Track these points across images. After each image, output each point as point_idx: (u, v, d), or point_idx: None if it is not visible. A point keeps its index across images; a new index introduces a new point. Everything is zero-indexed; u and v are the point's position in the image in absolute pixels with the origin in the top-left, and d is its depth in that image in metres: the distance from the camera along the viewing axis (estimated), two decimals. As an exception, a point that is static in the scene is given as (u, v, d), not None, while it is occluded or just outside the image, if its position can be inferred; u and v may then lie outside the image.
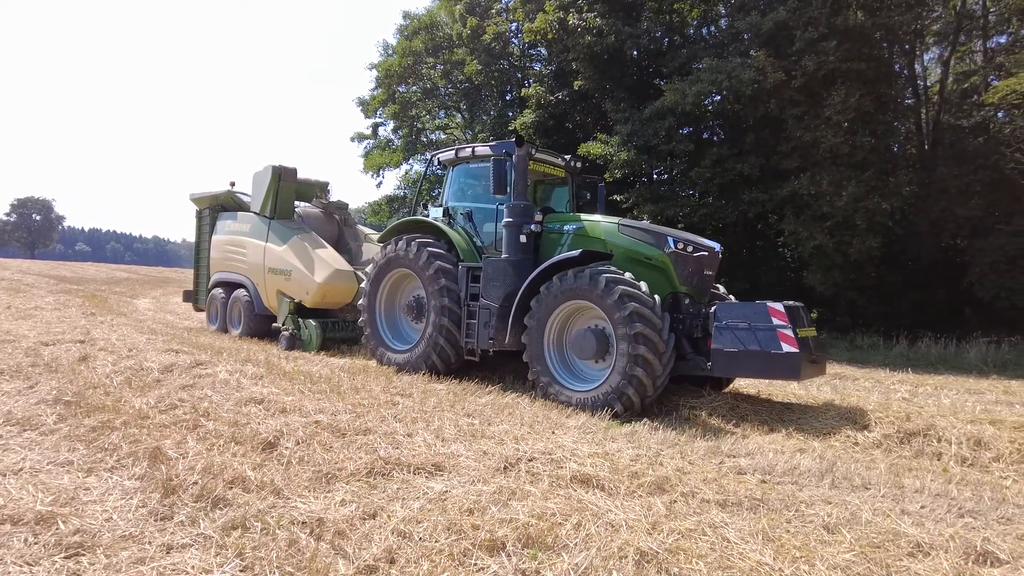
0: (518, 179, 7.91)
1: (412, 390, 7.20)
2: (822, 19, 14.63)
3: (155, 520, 3.42)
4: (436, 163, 9.78)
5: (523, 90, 21.81)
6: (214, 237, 13.75)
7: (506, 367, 8.86)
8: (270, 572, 2.90)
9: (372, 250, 13.13)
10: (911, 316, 15.89)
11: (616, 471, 4.33)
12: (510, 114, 23.12)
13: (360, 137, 30.82)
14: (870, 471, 4.74)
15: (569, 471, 4.25)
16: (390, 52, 28.20)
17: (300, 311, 11.65)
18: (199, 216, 14.60)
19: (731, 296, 8.23)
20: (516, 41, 24.31)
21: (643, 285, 6.74)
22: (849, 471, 4.68)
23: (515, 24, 23.21)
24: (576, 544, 3.17)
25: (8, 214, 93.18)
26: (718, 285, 8.29)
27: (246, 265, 12.70)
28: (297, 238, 11.97)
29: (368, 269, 9.64)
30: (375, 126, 30.33)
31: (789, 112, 15.29)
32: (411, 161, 29.42)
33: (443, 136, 29.93)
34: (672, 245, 7.23)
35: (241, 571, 2.92)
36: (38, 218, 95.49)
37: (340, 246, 13.15)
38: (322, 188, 14.24)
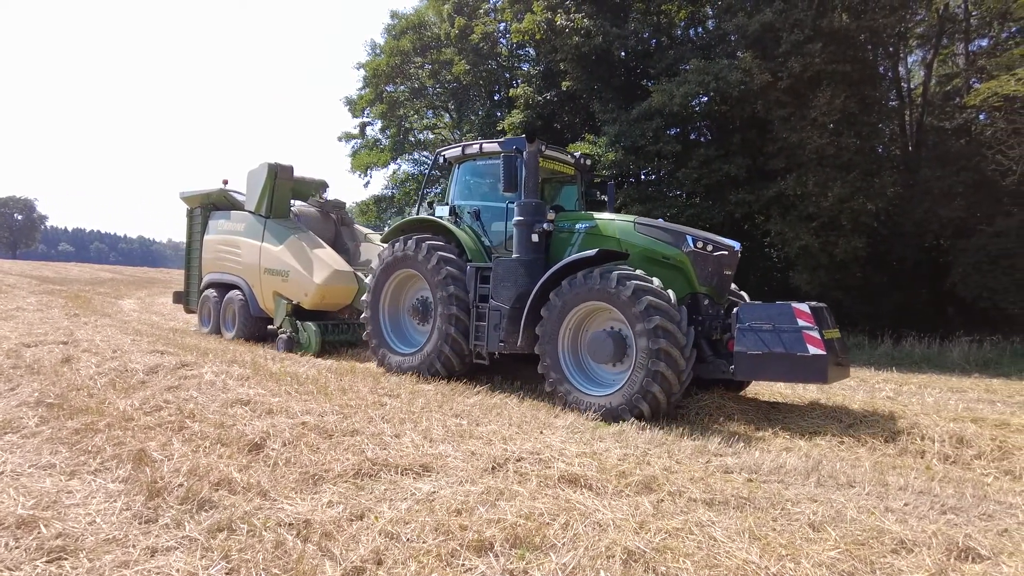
0: (529, 176, 7.70)
1: (400, 391, 7.18)
2: (808, 21, 14.77)
3: (139, 523, 3.39)
4: (441, 160, 9.49)
5: (511, 90, 21.83)
6: (206, 237, 13.41)
7: (497, 368, 8.85)
8: (256, 574, 2.88)
9: (371, 250, 12.85)
10: (895, 316, 16.07)
11: (604, 471, 4.34)
12: (498, 114, 23.13)
13: (348, 137, 30.68)
14: (855, 469, 4.79)
15: (557, 471, 4.25)
16: (378, 52, 28.09)
17: (298, 313, 11.36)
18: (190, 215, 14.25)
19: (746, 297, 8.03)
20: (504, 41, 24.31)
21: (664, 288, 6.50)
22: (834, 469, 4.72)
23: (503, 24, 23.22)
24: (564, 544, 3.17)
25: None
26: (734, 285, 8.03)
27: (241, 266, 12.38)
28: (294, 238, 11.68)
29: (371, 269, 9.39)
30: (363, 126, 30.22)
31: (775, 113, 15.41)
32: (399, 161, 29.34)
33: (431, 136, 29.87)
34: (691, 244, 7.02)
35: (227, 573, 2.90)
36: (20, 217, 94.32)
37: (338, 246, 12.85)
38: (319, 186, 13.96)
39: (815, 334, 6.03)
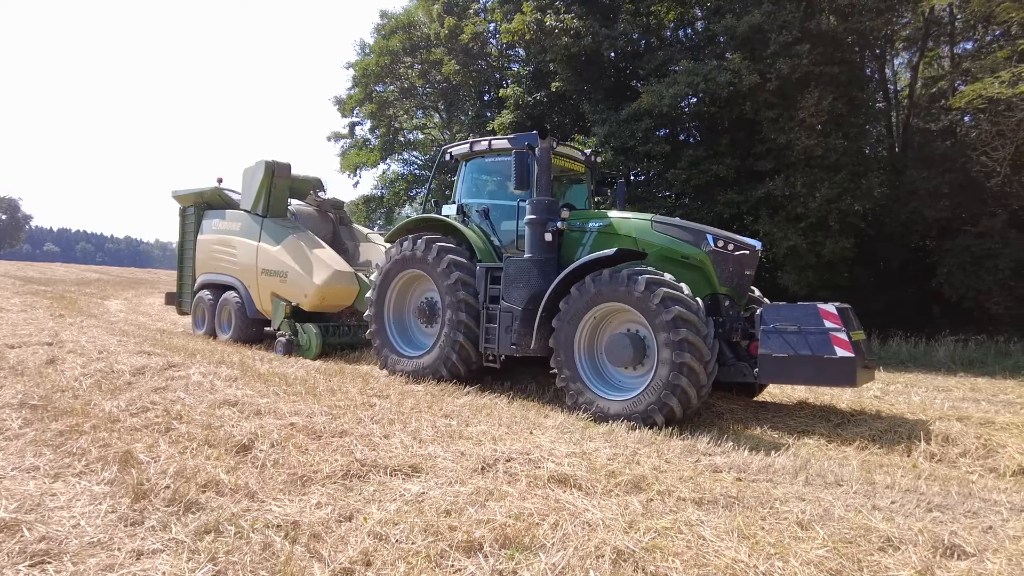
0: (542, 173, 7.47)
1: (389, 391, 7.16)
2: (795, 23, 14.87)
3: (125, 525, 3.35)
4: (448, 158, 9.18)
5: (501, 91, 21.81)
6: (200, 236, 13.08)
7: (488, 368, 8.82)
8: (243, 577, 2.85)
9: (370, 250, 12.66)
10: (883, 315, 16.20)
11: (593, 470, 4.34)
12: (488, 114, 23.10)
13: (337, 136, 30.56)
14: (843, 468, 4.82)
15: (547, 471, 4.26)
16: (367, 51, 28.00)
17: (297, 315, 11.04)
18: (183, 214, 13.91)
19: (764, 298, 7.79)
20: (494, 42, 24.30)
21: (685, 287, 6.30)
22: (822, 468, 4.75)
23: (493, 24, 23.20)
24: (553, 544, 3.17)
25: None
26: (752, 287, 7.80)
27: (236, 266, 12.08)
28: (293, 237, 11.38)
29: (375, 270, 9.10)
30: (352, 125, 30.10)
31: (764, 114, 15.51)
32: (388, 161, 29.26)
33: (421, 136, 29.81)
34: (712, 243, 6.79)
35: (214, 576, 2.87)
36: (3, 217, 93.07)
37: (336, 246, 12.45)
38: (316, 185, 13.66)
39: (842, 336, 5.83)
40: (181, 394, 6.32)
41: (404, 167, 29.30)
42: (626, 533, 3.29)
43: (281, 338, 10.84)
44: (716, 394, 7.30)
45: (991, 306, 14.51)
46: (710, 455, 5.10)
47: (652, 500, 3.89)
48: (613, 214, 7.62)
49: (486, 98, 25.37)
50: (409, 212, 30.67)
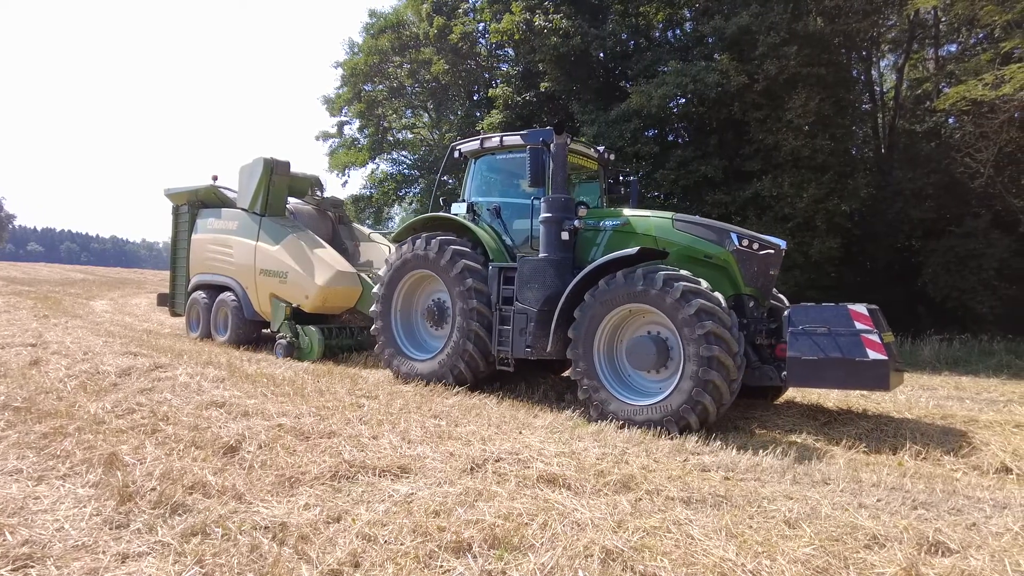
0: (557, 170, 7.21)
1: (378, 392, 7.13)
2: (783, 24, 14.97)
3: (110, 528, 3.32)
4: (457, 155, 8.90)
5: (490, 90, 21.81)
6: (195, 236, 12.74)
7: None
8: (230, 579, 2.83)
9: (370, 250, 12.43)
10: None
11: (582, 470, 4.35)
12: (477, 114, 23.08)
13: (325, 136, 30.44)
14: (829, 466, 4.86)
15: (536, 471, 4.26)
16: (356, 50, 27.90)
17: (297, 316, 10.73)
18: (176, 213, 13.53)
19: (784, 299, 7.54)
20: (483, 41, 24.28)
21: (704, 283, 6.09)
22: (809, 467, 4.79)
23: (482, 24, 23.18)
24: (542, 544, 3.17)
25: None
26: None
27: (233, 266, 11.76)
28: (293, 237, 11.08)
29: (382, 270, 8.88)
30: (340, 125, 30.00)
31: (752, 115, 15.61)
32: (377, 160, 29.17)
33: (410, 136, 29.74)
34: (736, 242, 6.59)
35: (200, 579, 2.85)
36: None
37: (335, 245, 12.05)
38: (315, 183, 13.39)
39: (874, 337, 5.63)
40: (168, 395, 6.27)
41: (393, 167, 29.24)
42: (615, 532, 3.30)
43: (281, 340, 10.55)
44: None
45: (975, 305, 14.68)
46: (698, 454, 5.12)
47: (641, 499, 3.90)
48: (630, 212, 7.42)
49: (475, 98, 25.36)
50: (398, 212, 30.62)
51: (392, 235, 9.23)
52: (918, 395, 8.53)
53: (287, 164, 11.88)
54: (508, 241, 8.04)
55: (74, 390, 6.51)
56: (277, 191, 11.75)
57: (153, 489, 3.74)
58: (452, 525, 3.33)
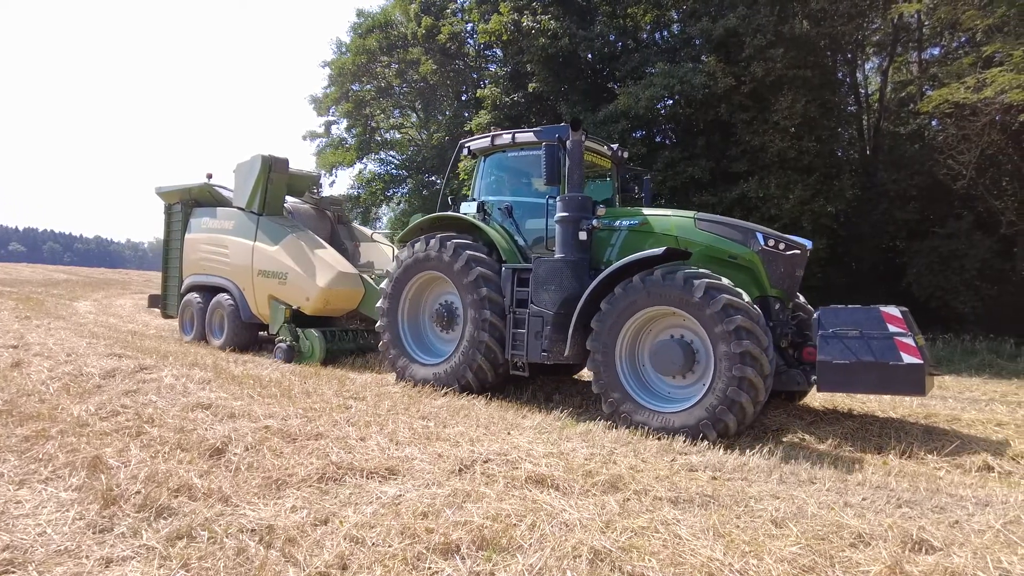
0: (574, 168, 6.97)
1: (366, 393, 7.10)
2: (769, 27, 15.11)
3: (93, 533, 3.28)
4: (465, 152, 8.64)
5: (479, 91, 21.81)
6: (188, 235, 12.42)
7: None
8: (216, 583, 2.81)
9: (371, 251, 12.23)
10: None
11: (570, 470, 4.35)
12: (466, 114, 23.11)
13: (313, 135, 30.34)
14: (816, 466, 4.89)
15: (524, 472, 4.25)
16: (344, 50, 27.82)
17: (296, 319, 10.46)
18: (168, 212, 13.23)
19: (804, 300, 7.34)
20: (471, 42, 24.28)
21: (744, 294, 5.83)
22: (796, 466, 4.82)
23: (470, 25, 23.19)
24: (531, 545, 3.17)
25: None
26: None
27: (229, 267, 11.46)
28: (293, 237, 10.77)
29: (389, 272, 8.64)
30: (328, 124, 29.93)
31: (738, 117, 15.73)
32: (365, 160, 29.10)
33: (397, 136, 29.68)
34: (762, 241, 6.38)
35: (186, 583, 2.82)
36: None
37: (334, 246, 11.72)
38: (314, 182, 13.11)
39: (909, 340, 5.45)
40: (153, 397, 6.21)
41: (381, 167, 29.18)
42: (603, 533, 3.31)
43: (281, 344, 10.25)
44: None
45: (958, 305, 14.88)
46: (686, 454, 5.14)
47: (629, 500, 3.91)
48: (648, 211, 7.19)
49: (464, 98, 25.37)
50: (386, 212, 30.54)
51: (399, 236, 8.98)
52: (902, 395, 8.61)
53: (286, 162, 11.60)
54: (520, 241, 7.81)
55: (57, 392, 6.43)
56: (276, 190, 11.45)
57: (138, 492, 3.70)
58: (440, 527, 3.32)
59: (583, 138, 7.23)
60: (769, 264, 6.39)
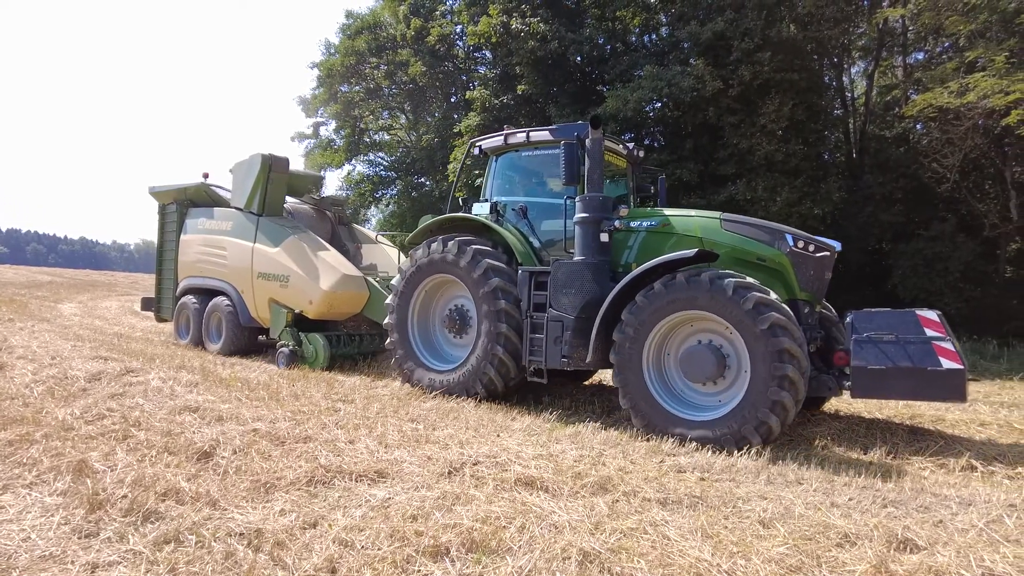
0: (593, 167, 6.75)
1: (354, 396, 7.08)
2: (757, 31, 15.23)
3: (79, 537, 3.25)
4: (477, 152, 8.37)
5: (468, 93, 21.82)
6: (183, 236, 12.13)
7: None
8: (204, 587, 2.79)
9: (373, 252, 12.06)
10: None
11: (560, 472, 4.37)
12: (455, 116, 23.08)
13: (301, 136, 30.25)
14: (803, 467, 4.94)
15: (514, 474, 4.26)
16: (332, 51, 27.74)
17: (298, 323, 10.17)
18: (162, 212, 12.94)
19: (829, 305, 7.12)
20: (461, 44, 24.29)
21: (772, 293, 5.69)
22: (783, 467, 4.86)
23: (459, 27, 23.20)
24: (520, 547, 3.18)
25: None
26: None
27: (227, 269, 11.18)
28: (294, 238, 10.47)
29: (397, 274, 8.44)
30: (316, 126, 29.84)
31: (726, 120, 15.84)
32: (353, 162, 29.02)
33: (387, 137, 29.62)
34: (791, 243, 6.21)
35: (173, 587, 2.81)
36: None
37: (335, 248, 11.33)
38: (315, 182, 12.82)
39: (948, 345, 5.29)
40: (139, 400, 6.16)
41: (369, 168, 29.11)
42: (592, 534, 3.32)
43: (283, 349, 9.95)
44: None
45: (942, 307, 14.96)
46: (674, 455, 5.17)
47: (618, 501, 3.92)
48: (669, 212, 7.00)
49: (453, 100, 25.37)
50: (375, 213, 30.46)
51: (408, 237, 8.78)
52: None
53: (286, 161, 11.34)
54: (535, 243, 7.63)
55: (41, 396, 6.36)
56: (276, 189, 11.15)
57: (124, 496, 3.67)
58: (430, 529, 3.32)
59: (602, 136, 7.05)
60: (798, 266, 6.22)
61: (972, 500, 4.19)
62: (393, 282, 8.57)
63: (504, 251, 7.53)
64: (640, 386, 6.03)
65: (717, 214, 6.72)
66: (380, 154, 29.27)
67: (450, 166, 19.18)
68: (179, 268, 12.31)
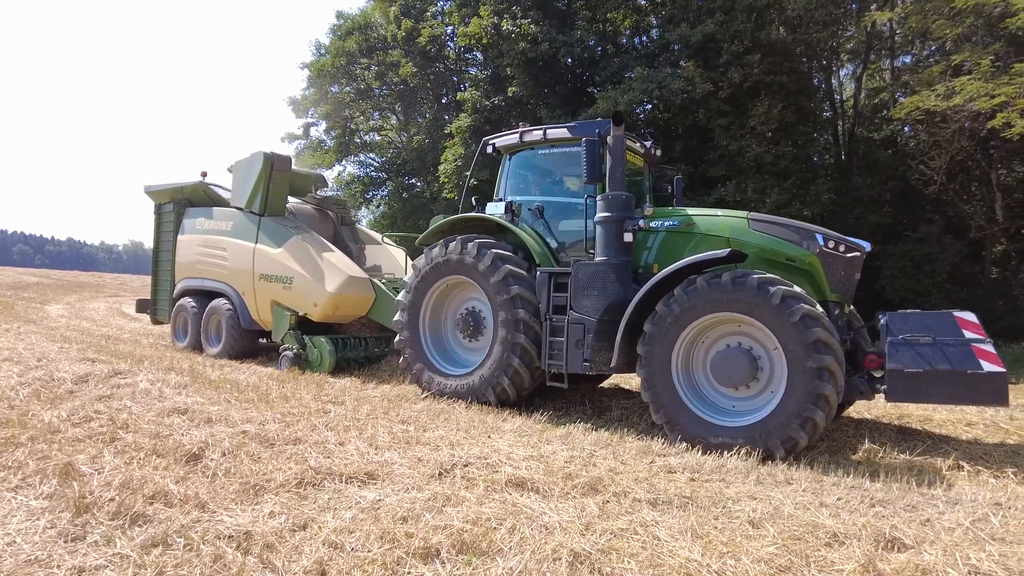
0: (616, 165, 6.56)
1: (345, 398, 7.06)
2: (747, 33, 15.34)
3: (65, 541, 3.22)
4: (490, 150, 8.15)
5: (459, 94, 21.81)
6: (181, 237, 11.81)
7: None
8: (192, 591, 2.77)
9: (376, 254, 11.83)
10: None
11: (550, 473, 4.37)
12: (446, 117, 23.07)
13: (291, 137, 30.11)
14: (792, 467, 4.97)
15: (504, 475, 4.26)
16: (323, 52, 27.65)
17: (302, 326, 9.93)
18: (158, 212, 12.64)
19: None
20: (452, 45, 24.28)
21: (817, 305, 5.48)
22: (773, 467, 4.89)
23: (450, 28, 23.19)
24: (511, 548, 3.18)
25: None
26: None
27: (227, 270, 10.89)
28: (298, 239, 10.16)
29: (405, 276, 8.21)
30: (307, 126, 29.69)
31: (716, 122, 15.93)
32: (344, 163, 28.95)
33: (377, 138, 29.56)
34: (821, 243, 6.04)
35: (161, 591, 2.79)
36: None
37: (338, 248, 10.99)
38: (317, 181, 12.55)
39: (987, 347, 5.11)
40: (127, 402, 6.10)
41: (360, 169, 29.04)
42: (582, 535, 3.32)
43: (287, 352, 9.69)
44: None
45: (929, 308, 15.18)
46: (665, 456, 5.18)
47: (608, 502, 3.93)
48: (693, 211, 6.81)
49: (444, 101, 25.34)
50: (366, 214, 30.38)
51: (419, 239, 8.58)
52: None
53: (288, 160, 11.09)
54: (553, 243, 7.41)
55: (27, 398, 6.29)
56: (278, 189, 10.85)
57: (112, 499, 3.64)
58: (420, 531, 3.31)
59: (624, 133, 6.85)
60: (829, 267, 6.06)
61: (959, 499, 4.23)
62: (406, 277, 8.27)
63: (519, 252, 7.34)
64: (668, 385, 5.87)
65: (744, 213, 6.57)
66: (371, 155, 29.20)
67: (441, 167, 19.14)
68: (176, 269, 12.01)
